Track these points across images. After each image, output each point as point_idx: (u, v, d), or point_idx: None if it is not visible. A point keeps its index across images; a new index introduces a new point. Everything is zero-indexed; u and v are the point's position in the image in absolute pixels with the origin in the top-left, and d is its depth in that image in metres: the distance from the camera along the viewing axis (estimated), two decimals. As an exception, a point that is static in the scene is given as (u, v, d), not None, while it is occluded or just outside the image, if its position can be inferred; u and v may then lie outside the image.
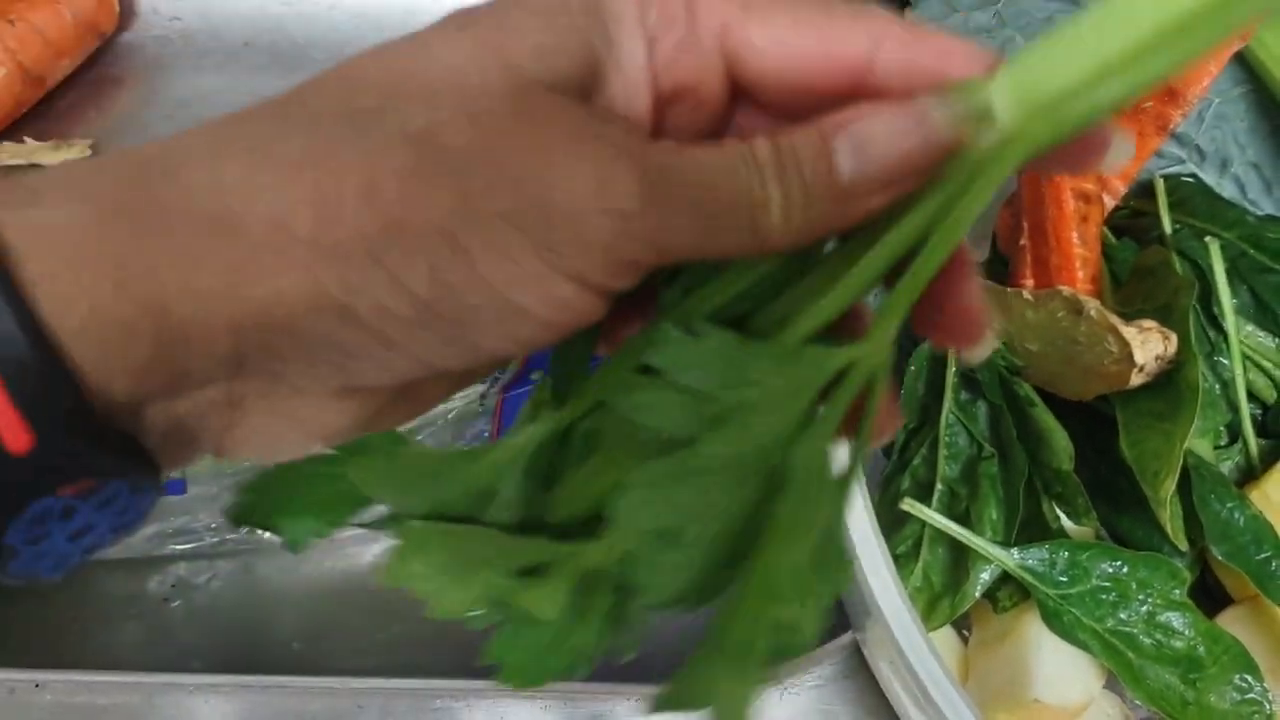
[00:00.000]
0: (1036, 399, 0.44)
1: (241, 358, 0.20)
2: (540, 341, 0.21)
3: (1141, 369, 0.40)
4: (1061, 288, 0.42)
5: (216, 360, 0.20)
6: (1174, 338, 0.40)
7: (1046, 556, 0.42)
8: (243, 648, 0.58)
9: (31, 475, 0.19)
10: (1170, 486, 0.39)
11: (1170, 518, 0.40)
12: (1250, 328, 0.46)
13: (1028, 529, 0.43)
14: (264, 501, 0.25)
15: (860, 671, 0.49)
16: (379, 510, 0.23)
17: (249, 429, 0.22)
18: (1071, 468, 0.42)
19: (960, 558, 0.42)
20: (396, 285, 0.20)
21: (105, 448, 0.20)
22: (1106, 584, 0.42)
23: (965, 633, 0.46)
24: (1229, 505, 0.42)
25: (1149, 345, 0.40)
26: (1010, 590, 0.43)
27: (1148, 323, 0.41)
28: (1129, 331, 0.40)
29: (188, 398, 0.21)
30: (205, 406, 0.21)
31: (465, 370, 0.22)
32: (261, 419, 0.22)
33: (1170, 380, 0.41)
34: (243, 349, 0.20)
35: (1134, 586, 0.42)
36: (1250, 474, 0.45)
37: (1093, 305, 0.41)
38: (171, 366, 0.19)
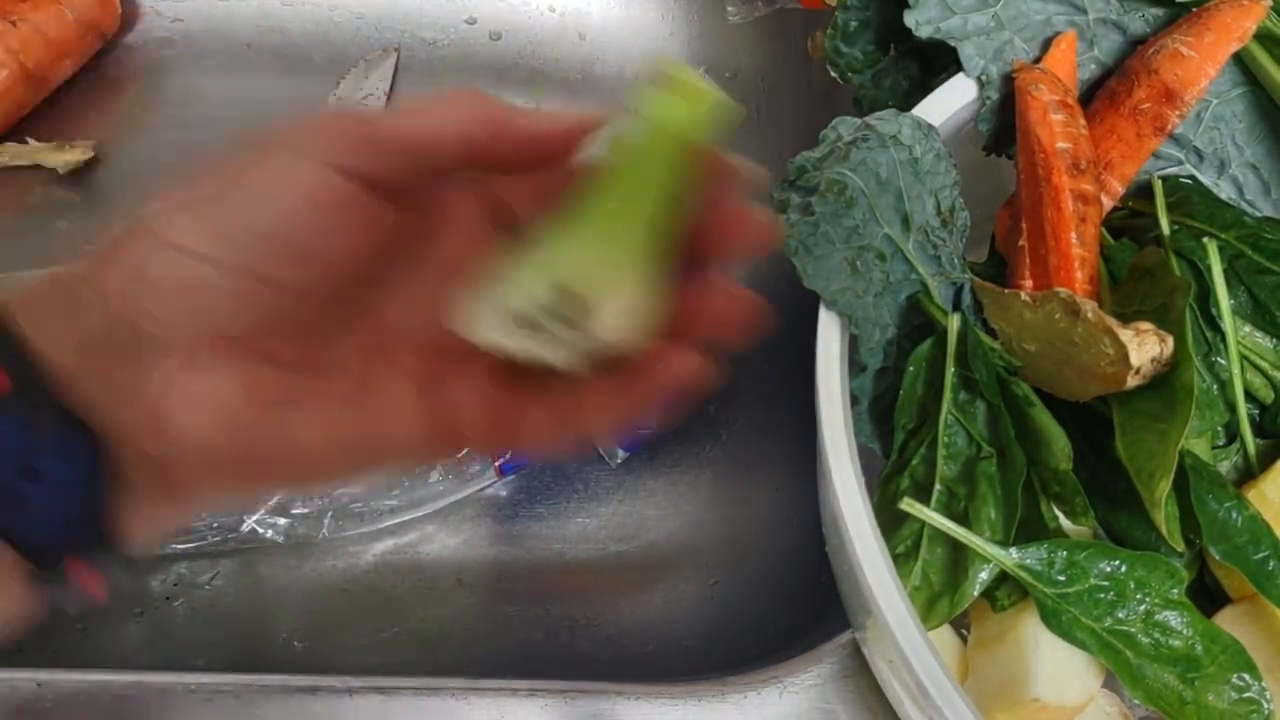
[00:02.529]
0: (1035, 399, 0.44)
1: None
2: None
3: (1137, 371, 0.40)
4: (1059, 289, 0.42)
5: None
6: (1170, 340, 0.41)
7: (1045, 556, 0.42)
8: (244, 647, 0.58)
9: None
10: (1165, 487, 0.40)
11: (1166, 519, 0.40)
12: (1248, 328, 0.46)
13: (1026, 528, 0.43)
14: None
15: (860, 671, 0.49)
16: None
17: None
18: (1070, 467, 0.42)
19: (959, 557, 0.43)
20: None
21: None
22: (1104, 583, 0.42)
23: (964, 632, 0.46)
24: (1227, 505, 0.42)
25: (1145, 347, 0.40)
26: (1009, 589, 0.43)
27: (1144, 325, 0.41)
28: (1125, 334, 0.40)
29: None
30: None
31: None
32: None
33: (1166, 381, 0.41)
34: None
35: (1132, 586, 0.42)
36: (1248, 474, 0.45)
37: (1089, 307, 0.41)
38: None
